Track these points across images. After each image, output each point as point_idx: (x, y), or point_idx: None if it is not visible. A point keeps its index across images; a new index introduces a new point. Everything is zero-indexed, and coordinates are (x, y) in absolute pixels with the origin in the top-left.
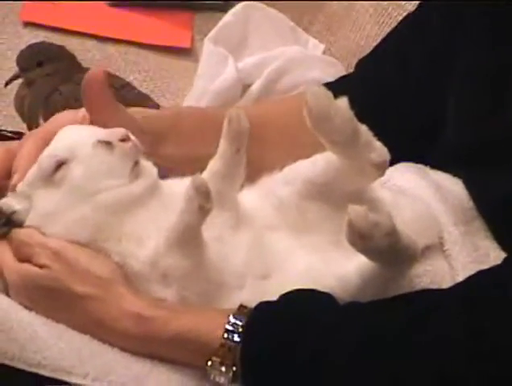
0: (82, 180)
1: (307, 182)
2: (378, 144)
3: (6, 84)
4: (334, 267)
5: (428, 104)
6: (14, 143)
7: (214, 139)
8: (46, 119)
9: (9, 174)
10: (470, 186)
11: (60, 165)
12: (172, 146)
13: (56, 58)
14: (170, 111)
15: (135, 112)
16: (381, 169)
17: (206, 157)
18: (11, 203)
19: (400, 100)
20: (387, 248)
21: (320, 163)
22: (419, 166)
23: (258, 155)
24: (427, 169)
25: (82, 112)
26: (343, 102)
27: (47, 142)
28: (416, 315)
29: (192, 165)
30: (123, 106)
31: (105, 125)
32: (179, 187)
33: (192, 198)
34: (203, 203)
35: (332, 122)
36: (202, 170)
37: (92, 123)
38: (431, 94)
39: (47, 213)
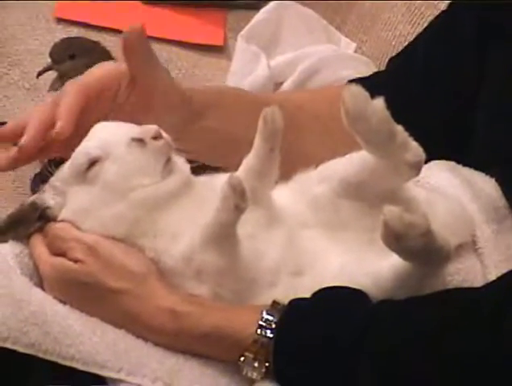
0: (116, 178)
1: (342, 180)
2: (414, 144)
3: (38, 74)
4: (368, 265)
5: (459, 103)
6: (60, 94)
7: (252, 121)
8: None
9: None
10: (503, 184)
11: (94, 163)
12: (212, 120)
13: (89, 52)
14: (213, 87)
15: (181, 84)
16: (416, 168)
17: (241, 139)
18: (45, 198)
19: (430, 99)
20: (422, 249)
21: (355, 162)
22: (452, 163)
23: (295, 140)
24: (460, 167)
25: (123, 65)
26: (379, 102)
27: (86, 91)
28: (450, 315)
29: (233, 143)
30: (165, 67)
31: (144, 82)
32: (211, 183)
33: (227, 196)
34: (238, 202)
35: (368, 122)
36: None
37: (132, 79)
38: (460, 92)
39: (82, 209)
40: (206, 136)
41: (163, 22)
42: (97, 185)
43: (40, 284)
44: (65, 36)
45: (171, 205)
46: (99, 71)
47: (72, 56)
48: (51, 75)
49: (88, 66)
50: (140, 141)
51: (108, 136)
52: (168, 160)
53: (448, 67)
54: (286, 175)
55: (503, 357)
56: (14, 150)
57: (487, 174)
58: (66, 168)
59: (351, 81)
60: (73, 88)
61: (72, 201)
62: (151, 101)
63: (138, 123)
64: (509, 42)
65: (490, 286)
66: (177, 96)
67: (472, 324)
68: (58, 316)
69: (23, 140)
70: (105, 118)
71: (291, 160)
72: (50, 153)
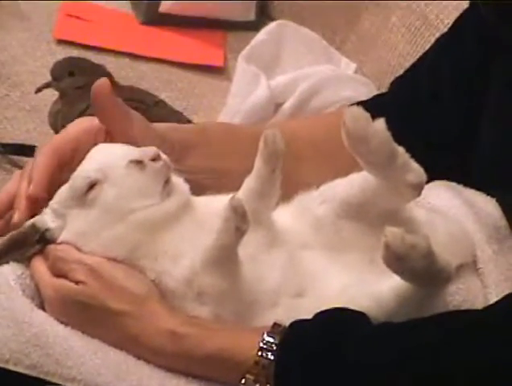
0: (115, 200)
1: (343, 201)
2: (415, 165)
3: (37, 90)
4: (368, 286)
5: (462, 124)
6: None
7: (240, 154)
8: None
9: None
10: (504, 203)
11: (93, 185)
12: (199, 158)
13: (88, 71)
14: (195, 125)
15: (159, 125)
16: (417, 189)
17: (231, 172)
18: (45, 220)
19: (432, 120)
20: (423, 270)
21: (356, 183)
22: (453, 184)
23: (292, 169)
24: (461, 187)
25: (97, 119)
26: (380, 124)
27: (58, 152)
28: (450, 337)
29: (217, 179)
30: (142, 117)
31: (120, 134)
32: (211, 204)
33: (229, 218)
34: (240, 224)
35: (369, 144)
36: (226, 185)
37: (107, 133)
38: (464, 113)
39: (82, 231)
40: (193, 175)
41: (163, 43)
42: (97, 207)
43: (42, 305)
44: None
45: (171, 226)
46: (74, 129)
47: (71, 73)
48: (52, 96)
49: (88, 84)
50: (139, 163)
51: (106, 158)
52: (167, 181)
53: (451, 87)
54: (285, 200)
55: (506, 377)
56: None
57: (488, 194)
58: (65, 191)
59: (352, 104)
60: (45, 149)
61: (72, 223)
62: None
63: None
64: (508, 55)
65: (492, 306)
66: (156, 139)
67: (475, 344)
68: (59, 337)
69: (16, 218)
70: None
71: (289, 188)
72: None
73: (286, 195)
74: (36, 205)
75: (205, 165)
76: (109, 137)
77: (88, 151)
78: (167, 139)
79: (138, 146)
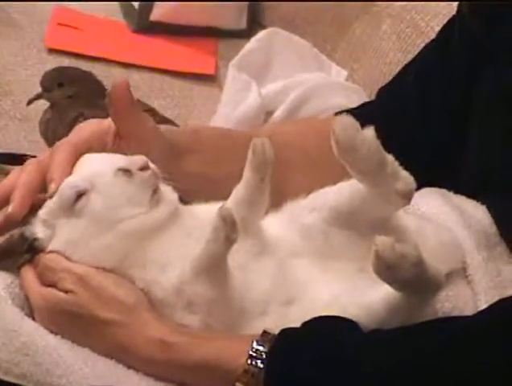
0: (103, 210)
1: (332, 209)
2: (404, 173)
3: (28, 102)
4: (358, 295)
5: (449, 131)
6: (46, 154)
7: (232, 158)
8: None
9: (43, 187)
10: (493, 211)
11: (81, 195)
12: (192, 163)
13: (78, 81)
14: (189, 128)
15: (160, 128)
16: (407, 197)
17: (224, 178)
18: (34, 230)
19: (420, 127)
20: (413, 279)
21: (345, 191)
22: (443, 191)
23: (283, 176)
24: (451, 194)
25: (108, 121)
26: (369, 132)
27: (78, 150)
28: (440, 345)
29: (210, 185)
30: (149, 116)
31: (131, 135)
32: (200, 213)
33: (218, 228)
34: (229, 233)
35: (358, 152)
36: (219, 190)
37: (117, 133)
38: (451, 120)
39: (71, 241)
40: (187, 179)
41: (154, 51)
42: (85, 217)
43: (31, 314)
44: (56, 66)
45: (159, 235)
46: (86, 131)
47: (60, 84)
48: (43, 105)
49: (78, 94)
50: (126, 172)
51: (94, 168)
52: (156, 190)
53: (438, 94)
54: (274, 208)
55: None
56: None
57: (478, 200)
58: (53, 201)
59: (340, 112)
60: (64, 147)
61: (61, 233)
62: (137, 150)
63: None
64: (498, 65)
65: (482, 313)
66: (161, 142)
67: (465, 351)
68: (49, 347)
69: (10, 208)
70: None
71: (279, 196)
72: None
73: (276, 203)
74: None
75: (199, 170)
76: (117, 139)
77: (100, 152)
78: (167, 141)
79: (141, 150)
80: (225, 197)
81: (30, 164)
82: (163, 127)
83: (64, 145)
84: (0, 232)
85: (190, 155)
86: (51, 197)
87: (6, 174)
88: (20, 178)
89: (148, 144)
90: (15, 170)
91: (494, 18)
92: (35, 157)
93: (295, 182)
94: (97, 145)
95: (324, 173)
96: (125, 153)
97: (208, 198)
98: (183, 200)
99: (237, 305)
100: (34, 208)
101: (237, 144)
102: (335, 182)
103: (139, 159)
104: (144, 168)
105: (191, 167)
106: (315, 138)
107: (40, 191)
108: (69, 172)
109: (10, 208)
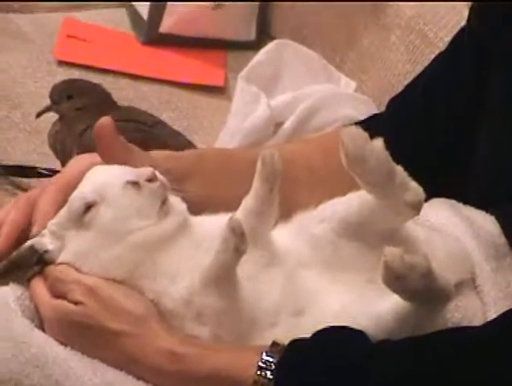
0: (112, 222)
1: (342, 220)
2: (413, 184)
3: (38, 115)
4: (368, 305)
5: (458, 143)
6: (35, 190)
7: (237, 181)
8: None
9: (30, 223)
10: (503, 221)
11: (90, 207)
12: (196, 186)
13: (87, 93)
14: (192, 152)
15: (157, 154)
16: (416, 208)
17: (229, 199)
18: (44, 241)
19: (429, 139)
20: (422, 289)
21: (355, 202)
22: (452, 201)
23: (289, 192)
24: (460, 205)
25: (98, 157)
26: (378, 143)
27: (65, 192)
28: (449, 355)
29: (214, 206)
30: (138, 149)
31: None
32: (209, 224)
33: (227, 239)
34: (238, 244)
35: (367, 163)
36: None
37: None
38: (460, 132)
39: (81, 252)
40: (189, 202)
41: (163, 63)
42: (94, 229)
43: (41, 326)
44: (66, 78)
45: (169, 246)
46: (76, 166)
47: (69, 97)
48: (52, 117)
49: (87, 106)
50: (135, 184)
51: (103, 180)
52: (164, 201)
53: (446, 106)
54: (282, 221)
55: None
56: None
57: (487, 211)
58: (63, 213)
59: (349, 125)
60: (51, 188)
61: (70, 245)
62: None
63: None
64: (508, 73)
65: (491, 323)
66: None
67: (475, 361)
68: (59, 358)
69: None
70: None
71: (286, 210)
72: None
73: (283, 217)
74: None
75: (202, 193)
76: None
77: None
78: (163, 170)
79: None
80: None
81: (20, 199)
82: (165, 153)
83: (52, 186)
84: None
85: (193, 178)
86: (32, 238)
87: (16, 186)
88: (10, 214)
89: None
90: (8, 205)
91: (503, 26)
92: (44, 169)
93: (300, 199)
94: None
95: (330, 190)
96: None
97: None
98: (193, 212)
99: (247, 316)
100: (19, 244)
101: (241, 166)
102: (343, 195)
103: (147, 171)
104: (152, 179)
105: (194, 190)
106: (321, 156)
107: (26, 229)
108: (52, 215)
109: None
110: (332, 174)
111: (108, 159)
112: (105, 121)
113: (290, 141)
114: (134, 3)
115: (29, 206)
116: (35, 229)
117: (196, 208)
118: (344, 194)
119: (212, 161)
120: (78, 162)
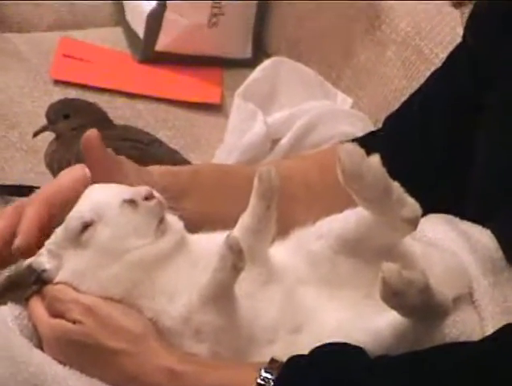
0: (109, 241)
1: (339, 237)
2: (410, 200)
3: (34, 134)
4: (365, 321)
5: (455, 159)
6: (23, 200)
7: (234, 197)
8: None
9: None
10: (499, 235)
11: (87, 226)
12: (192, 203)
13: (83, 112)
14: (188, 167)
15: (153, 169)
16: (413, 224)
17: (225, 215)
18: (41, 261)
19: (425, 156)
20: (420, 305)
21: (352, 219)
22: (449, 216)
23: (286, 209)
24: (457, 219)
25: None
26: (375, 159)
27: (51, 203)
28: (447, 370)
29: (211, 223)
30: (128, 160)
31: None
32: (207, 242)
33: (225, 256)
34: (236, 261)
35: (364, 180)
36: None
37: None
38: (457, 149)
39: (78, 271)
40: (187, 218)
41: (160, 81)
42: (92, 248)
43: (40, 345)
44: (63, 98)
45: (166, 265)
46: (66, 178)
47: (66, 116)
48: (49, 136)
49: (84, 126)
50: (132, 202)
51: (100, 198)
52: (161, 220)
53: (443, 123)
54: (279, 238)
55: None
56: None
57: (484, 225)
58: (60, 232)
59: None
60: (35, 200)
61: (68, 264)
62: None
63: None
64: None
65: (489, 338)
66: (149, 184)
67: (473, 376)
68: (58, 377)
69: None
70: None
71: (283, 227)
72: (9, 262)
73: (281, 234)
74: (24, 256)
75: (198, 210)
76: None
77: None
78: (160, 184)
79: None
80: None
81: (7, 209)
82: (160, 168)
83: (38, 197)
84: None
85: (189, 195)
86: (15, 251)
87: None
88: None
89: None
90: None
91: (498, 39)
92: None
93: (297, 216)
94: (77, 192)
95: (327, 206)
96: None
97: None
98: (189, 229)
99: (245, 333)
100: (2, 258)
101: (237, 182)
102: (340, 212)
103: (143, 189)
104: (149, 197)
105: (190, 206)
106: (317, 172)
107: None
108: (37, 227)
109: None
110: (328, 190)
111: (97, 172)
112: (92, 133)
113: (287, 158)
114: (129, 20)
115: (16, 215)
116: (17, 240)
117: (193, 226)
118: (341, 210)
119: (208, 177)
120: (69, 173)
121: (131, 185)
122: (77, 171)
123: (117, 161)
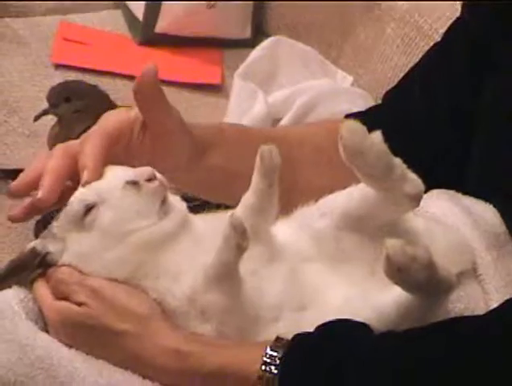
0: (112, 222)
1: (343, 214)
2: (412, 176)
3: (35, 118)
4: (370, 298)
5: (457, 131)
6: (73, 142)
7: (252, 156)
8: None
9: (71, 174)
10: (503, 210)
11: (90, 209)
12: (217, 158)
13: (84, 95)
14: (213, 124)
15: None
16: (415, 200)
17: (244, 174)
18: (45, 243)
19: (426, 130)
20: (424, 281)
21: (355, 195)
22: (451, 192)
23: (295, 175)
24: (459, 195)
25: (135, 112)
26: (377, 136)
27: (109, 137)
28: (454, 344)
29: (230, 180)
30: (174, 107)
31: (157, 125)
32: (210, 222)
33: (229, 236)
34: (240, 241)
35: (366, 156)
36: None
37: (143, 125)
38: (458, 123)
39: (83, 254)
40: (209, 174)
41: (160, 63)
42: (95, 230)
43: (45, 328)
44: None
45: (170, 245)
46: (113, 118)
47: (67, 99)
48: (51, 121)
49: (85, 108)
50: (134, 183)
51: (102, 181)
52: (164, 200)
53: (443, 98)
54: (288, 207)
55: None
56: (28, 202)
57: (486, 200)
58: (63, 215)
59: (348, 115)
60: (95, 135)
61: (72, 246)
62: (162, 143)
63: (148, 164)
64: (499, 71)
65: (493, 312)
66: (186, 136)
67: (478, 350)
68: (64, 360)
69: (40, 194)
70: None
71: (293, 194)
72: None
73: (289, 202)
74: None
75: (221, 165)
76: (144, 130)
77: (125, 142)
78: (192, 137)
79: (165, 144)
80: (241, 195)
81: (57, 150)
82: (193, 122)
83: (95, 133)
84: (27, 217)
85: (213, 150)
86: (84, 185)
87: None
88: (48, 163)
89: (173, 136)
90: (41, 155)
91: (495, 22)
92: None
93: (304, 179)
94: (123, 133)
95: (332, 168)
96: (133, 165)
97: (227, 194)
98: (192, 210)
99: (250, 312)
100: (62, 196)
101: (256, 141)
102: (348, 180)
103: (146, 170)
104: (151, 179)
105: (213, 161)
106: (328, 137)
107: (68, 179)
108: (102, 159)
109: (39, 194)
110: (338, 157)
111: (146, 111)
112: (149, 69)
113: (297, 124)
114: (128, 3)
115: (68, 157)
116: (85, 174)
117: (213, 185)
118: (350, 178)
119: (232, 134)
120: (114, 115)
121: (174, 132)
122: (122, 114)
123: (167, 103)
